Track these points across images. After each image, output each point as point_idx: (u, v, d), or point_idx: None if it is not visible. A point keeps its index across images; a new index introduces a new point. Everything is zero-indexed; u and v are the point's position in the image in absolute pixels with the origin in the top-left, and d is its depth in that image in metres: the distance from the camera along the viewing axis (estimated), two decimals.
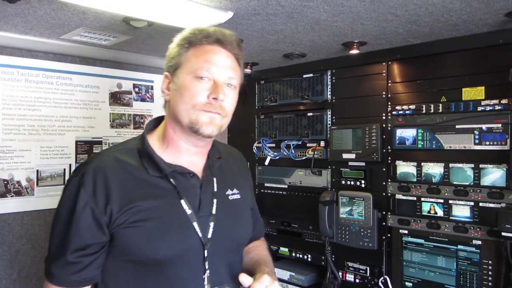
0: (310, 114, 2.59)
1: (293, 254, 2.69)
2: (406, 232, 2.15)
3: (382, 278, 2.24)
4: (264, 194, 2.87)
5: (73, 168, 2.38)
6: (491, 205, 1.89)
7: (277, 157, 2.74)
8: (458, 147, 2.00)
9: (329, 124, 2.51)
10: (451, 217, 2.01)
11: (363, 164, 2.33)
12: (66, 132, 2.38)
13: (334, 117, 2.49)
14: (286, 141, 2.68)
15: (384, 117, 2.26)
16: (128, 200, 1.09)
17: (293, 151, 2.64)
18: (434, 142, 2.07)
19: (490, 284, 1.88)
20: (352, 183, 2.36)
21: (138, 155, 1.18)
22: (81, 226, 1.07)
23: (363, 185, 2.32)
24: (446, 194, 2.02)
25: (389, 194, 2.22)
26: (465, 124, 1.98)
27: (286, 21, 1.77)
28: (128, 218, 1.09)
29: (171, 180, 1.16)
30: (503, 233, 1.79)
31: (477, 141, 1.94)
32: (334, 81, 2.50)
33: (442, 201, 2.04)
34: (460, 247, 1.98)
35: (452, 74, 2.04)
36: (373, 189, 2.29)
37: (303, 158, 2.60)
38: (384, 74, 2.27)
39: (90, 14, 1.66)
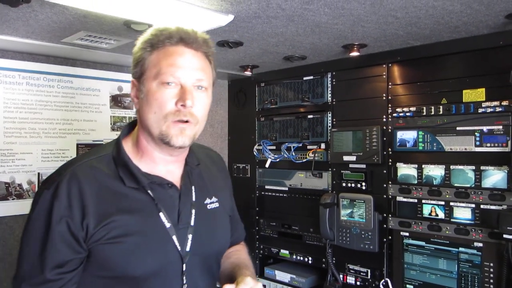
0: (310, 116, 2.59)
1: (294, 257, 2.69)
2: (407, 234, 2.15)
3: (383, 280, 2.23)
4: (265, 196, 2.87)
5: None
6: (493, 207, 1.89)
7: (278, 160, 2.74)
8: (459, 149, 2.00)
9: (329, 126, 2.51)
10: (452, 219, 2.01)
11: (363, 166, 2.33)
12: (67, 135, 2.39)
13: (334, 119, 2.49)
14: (286, 144, 2.68)
15: (384, 119, 2.26)
16: (104, 215, 1.03)
17: (293, 154, 2.64)
18: (435, 144, 2.07)
19: (491, 286, 1.88)
20: (353, 185, 2.36)
21: (113, 163, 1.11)
22: (58, 241, 1.01)
23: (363, 187, 2.32)
24: (447, 196, 2.02)
25: (390, 196, 2.22)
26: (466, 126, 1.98)
27: (287, 24, 1.78)
28: (106, 234, 1.03)
29: (149, 191, 1.10)
30: (504, 235, 1.79)
31: (478, 143, 1.94)
32: (334, 83, 2.50)
33: (443, 203, 2.04)
34: (461, 249, 1.98)
35: (453, 76, 2.05)
36: (374, 191, 2.29)
37: (304, 161, 2.60)
38: (384, 76, 2.27)
39: (91, 18, 1.67)
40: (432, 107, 2.08)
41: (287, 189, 2.73)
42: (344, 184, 2.40)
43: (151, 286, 1.07)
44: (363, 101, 2.36)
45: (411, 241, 2.14)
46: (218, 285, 1.30)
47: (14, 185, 2.19)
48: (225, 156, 3.15)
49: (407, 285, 2.15)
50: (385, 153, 2.25)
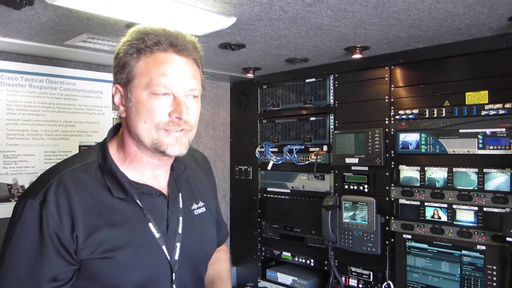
0: (312, 118, 2.59)
1: (296, 259, 2.68)
2: (409, 237, 2.14)
3: (385, 283, 2.22)
4: (267, 198, 2.87)
5: None
6: (496, 210, 1.88)
7: (280, 162, 2.74)
8: (461, 151, 1.99)
9: (331, 128, 2.51)
10: (455, 222, 2.00)
11: (366, 168, 2.32)
12: (70, 137, 2.39)
13: (336, 122, 2.49)
14: (288, 146, 2.68)
15: (387, 122, 2.26)
16: (93, 228, 1.00)
17: (295, 156, 2.64)
18: (437, 147, 2.06)
19: None
20: (355, 187, 2.36)
21: (99, 171, 1.07)
22: (53, 254, 0.97)
23: (366, 190, 2.31)
24: (450, 198, 2.01)
25: (393, 199, 2.22)
26: (468, 129, 1.97)
27: (289, 26, 1.78)
28: (96, 248, 1.00)
29: (137, 201, 1.07)
30: (507, 238, 1.78)
31: (481, 145, 1.93)
32: (336, 85, 2.50)
33: (446, 205, 2.03)
34: (464, 252, 1.97)
35: (455, 78, 2.04)
36: (376, 193, 2.28)
37: (306, 163, 2.59)
38: (387, 79, 2.27)
39: (94, 20, 1.67)
40: (435, 110, 2.08)
41: (289, 191, 2.73)
42: (346, 187, 2.40)
43: None
44: (366, 103, 2.36)
45: (413, 244, 2.13)
46: None
47: (16, 186, 2.20)
48: (227, 158, 3.15)
49: None
50: (387, 155, 2.25)
